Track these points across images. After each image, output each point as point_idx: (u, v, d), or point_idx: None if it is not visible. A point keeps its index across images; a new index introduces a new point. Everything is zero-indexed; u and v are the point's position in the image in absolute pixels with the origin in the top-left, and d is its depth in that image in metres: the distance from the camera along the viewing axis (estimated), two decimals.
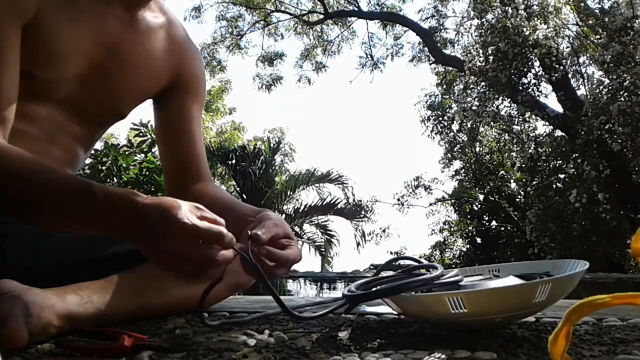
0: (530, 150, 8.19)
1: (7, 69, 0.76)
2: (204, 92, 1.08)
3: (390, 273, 0.92)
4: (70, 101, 0.88)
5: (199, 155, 1.05)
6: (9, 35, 0.76)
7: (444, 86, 10.95)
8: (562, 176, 7.62)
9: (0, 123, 0.75)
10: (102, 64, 0.88)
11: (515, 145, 9.07)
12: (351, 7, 10.34)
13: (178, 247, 0.64)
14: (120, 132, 14.19)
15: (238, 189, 8.98)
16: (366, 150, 27.52)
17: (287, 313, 0.71)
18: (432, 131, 10.57)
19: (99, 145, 3.65)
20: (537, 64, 7.09)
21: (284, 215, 8.91)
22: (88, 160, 3.57)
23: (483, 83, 7.41)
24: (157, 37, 0.96)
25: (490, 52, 7.10)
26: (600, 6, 7.88)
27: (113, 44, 0.88)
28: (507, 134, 9.42)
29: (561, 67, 6.89)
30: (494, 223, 11.18)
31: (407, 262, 1.03)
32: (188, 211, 0.66)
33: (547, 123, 7.63)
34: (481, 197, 11.39)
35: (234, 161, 9.07)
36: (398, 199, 11.48)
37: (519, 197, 10.42)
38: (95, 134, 1.00)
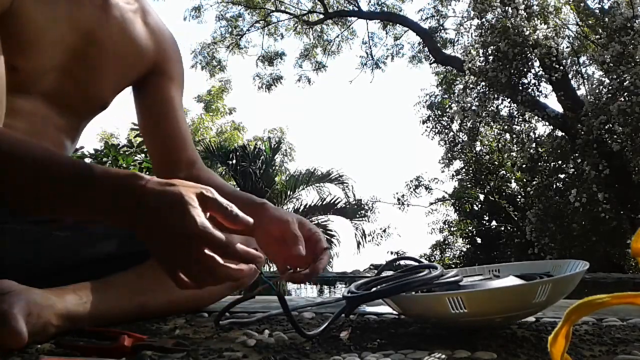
0: (530, 150, 8.19)
1: None
2: (182, 75, 1.08)
3: (390, 273, 0.92)
4: (53, 93, 0.87)
5: (185, 139, 1.05)
6: None
7: (444, 86, 10.95)
8: (562, 176, 7.63)
9: None
10: (80, 52, 0.87)
11: (515, 145, 9.07)
12: (351, 7, 10.34)
13: (187, 249, 0.58)
14: (120, 132, 14.19)
15: (238, 189, 8.99)
16: (366, 150, 27.53)
17: (297, 330, 0.71)
18: (432, 131, 10.58)
19: (98, 145, 3.65)
20: (537, 64, 7.10)
21: None
22: (87, 160, 3.57)
23: (483, 83, 7.41)
24: (132, 23, 0.96)
25: (490, 52, 7.10)
26: (600, 6, 7.88)
27: (90, 32, 0.88)
28: (507, 134, 9.42)
29: (561, 67, 6.89)
30: (494, 223, 11.19)
31: (407, 262, 1.03)
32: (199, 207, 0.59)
33: (547, 123, 7.63)
34: (481, 197, 11.40)
35: (234, 161, 9.08)
36: (398, 199, 11.49)
37: (519, 197, 10.43)
38: (79, 125, 0.99)
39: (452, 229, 11.81)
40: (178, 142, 1.03)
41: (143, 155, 4.30)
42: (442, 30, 10.42)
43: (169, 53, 1.04)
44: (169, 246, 0.59)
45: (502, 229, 10.88)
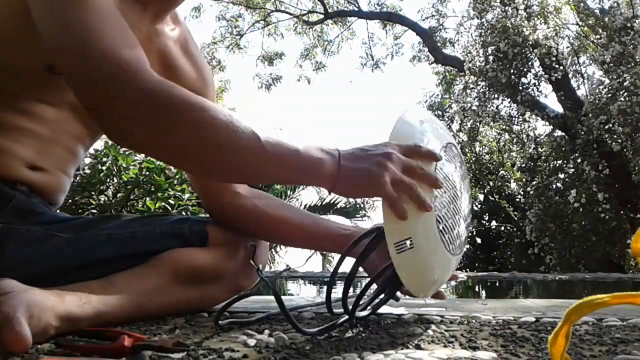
0: (530, 150, 8.19)
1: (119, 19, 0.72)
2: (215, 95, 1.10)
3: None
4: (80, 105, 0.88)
5: None
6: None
7: (444, 86, 10.95)
8: (562, 176, 7.62)
9: (148, 62, 0.71)
10: None
11: (515, 145, 9.08)
12: (351, 7, 10.33)
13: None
14: None
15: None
16: None
17: (294, 327, 0.71)
18: None
19: (99, 145, 3.65)
20: (537, 64, 7.08)
21: None
22: (87, 160, 3.56)
23: (483, 83, 7.40)
24: (173, 51, 0.96)
25: (490, 52, 7.09)
26: (600, 6, 7.88)
27: None
28: (507, 134, 9.42)
29: (561, 67, 6.88)
30: (494, 223, 11.18)
31: None
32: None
33: (547, 123, 7.62)
34: (481, 197, 11.39)
35: None
36: None
37: (519, 197, 10.43)
38: (97, 134, 1.00)
39: None
40: None
41: (143, 155, 4.28)
42: (442, 30, 10.41)
43: (207, 79, 1.04)
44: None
45: (502, 229, 10.87)
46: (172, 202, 3.44)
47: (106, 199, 3.60)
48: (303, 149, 0.72)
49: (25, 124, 0.85)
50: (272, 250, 9.21)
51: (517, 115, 7.95)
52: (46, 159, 0.89)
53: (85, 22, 0.67)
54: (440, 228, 0.76)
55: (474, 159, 10.36)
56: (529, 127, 8.27)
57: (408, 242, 0.72)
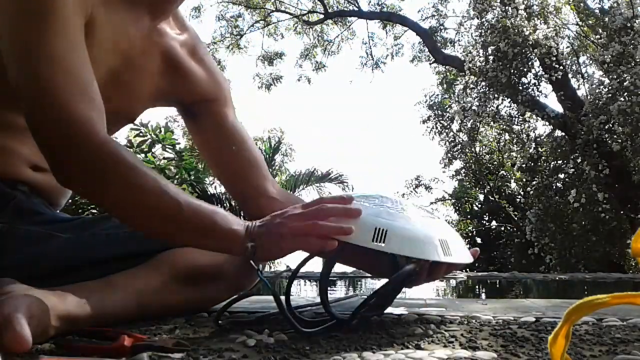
0: (530, 150, 8.19)
1: (86, 62, 0.74)
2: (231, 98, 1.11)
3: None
4: None
5: (258, 158, 1.06)
6: (80, 28, 0.75)
7: (444, 86, 10.95)
8: (562, 176, 7.62)
9: (100, 118, 0.74)
10: (116, 73, 0.87)
11: (515, 145, 9.08)
12: (351, 7, 10.33)
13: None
14: (120, 132, 14.16)
15: None
16: (366, 149, 27.55)
17: (293, 327, 0.71)
18: (432, 131, 10.58)
19: None
20: (537, 64, 7.08)
21: None
22: None
23: (483, 83, 7.40)
24: (177, 53, 0.97)
25: (490, 52, 7.09)
26: (600, 6, 7.88)
27: (130, 56, 0.88)
28: (507, 134, 9.42)
29: (561, 67, 6.88)
30: (494, 223, 11.19)
31: None
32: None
33: (547, 123, 7.62)
34: (481, 197, 11.40)
35: None
36: None
37: (519, 197, 10.43)
38: None
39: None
40: (253, 162, 1.04)
41: (143, 155, 4.30)
42: (442, 30, 10.40)
43: (221, 83, 1.05)
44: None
45: (502, 229, 10.88)
46: None
47: None
48: (220, 220, 0.76)
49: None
50: None
51: (517, 115, 7.94)
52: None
53: (45, 73, 0.70)
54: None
55: (474, 159, 10.37)
56: (529, 127, 8.27)
57: (379, 230, 0.76)
